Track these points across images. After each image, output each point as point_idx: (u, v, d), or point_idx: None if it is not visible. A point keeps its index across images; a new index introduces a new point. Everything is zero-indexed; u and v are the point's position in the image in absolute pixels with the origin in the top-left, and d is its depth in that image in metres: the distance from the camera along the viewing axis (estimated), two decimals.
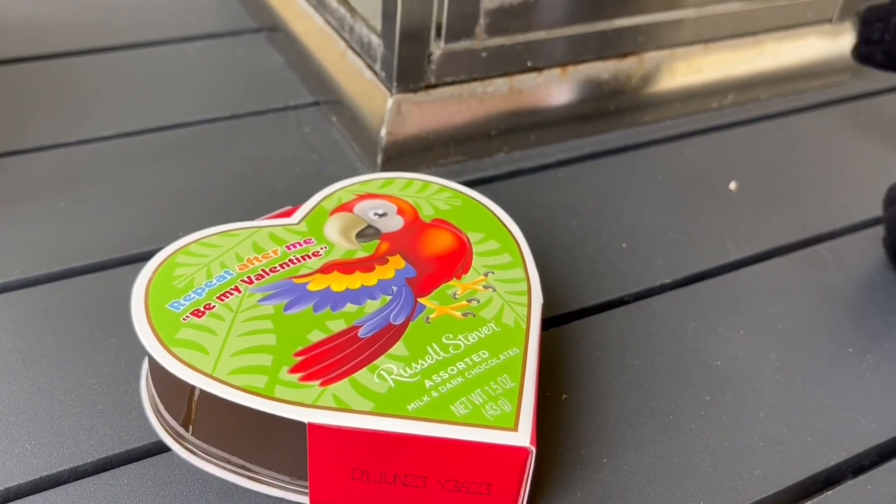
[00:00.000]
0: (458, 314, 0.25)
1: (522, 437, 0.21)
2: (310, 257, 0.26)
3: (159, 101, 0.40)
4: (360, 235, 0.28)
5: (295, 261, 0.26)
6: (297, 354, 0.23)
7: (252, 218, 0.29)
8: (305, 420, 0.21)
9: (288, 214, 0.28)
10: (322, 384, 0.22)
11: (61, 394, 0.26)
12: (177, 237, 0.31)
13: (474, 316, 0.25)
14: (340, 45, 0.39)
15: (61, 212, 0.33)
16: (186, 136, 0.38)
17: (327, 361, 0.23)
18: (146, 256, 0.31)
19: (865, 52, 0.32)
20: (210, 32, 0.47)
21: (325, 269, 0.26)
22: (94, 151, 0.37)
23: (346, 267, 0.26)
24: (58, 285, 0.30)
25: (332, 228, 0.28)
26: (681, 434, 0.26)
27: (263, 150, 0.38)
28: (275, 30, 0.45)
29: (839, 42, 0.45)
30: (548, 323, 0.30)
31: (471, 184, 0.37)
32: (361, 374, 0.22)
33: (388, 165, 0.36)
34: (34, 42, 0.44)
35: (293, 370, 0.22)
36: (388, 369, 0.23)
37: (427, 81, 0.35)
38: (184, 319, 0.24)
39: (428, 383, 0.23)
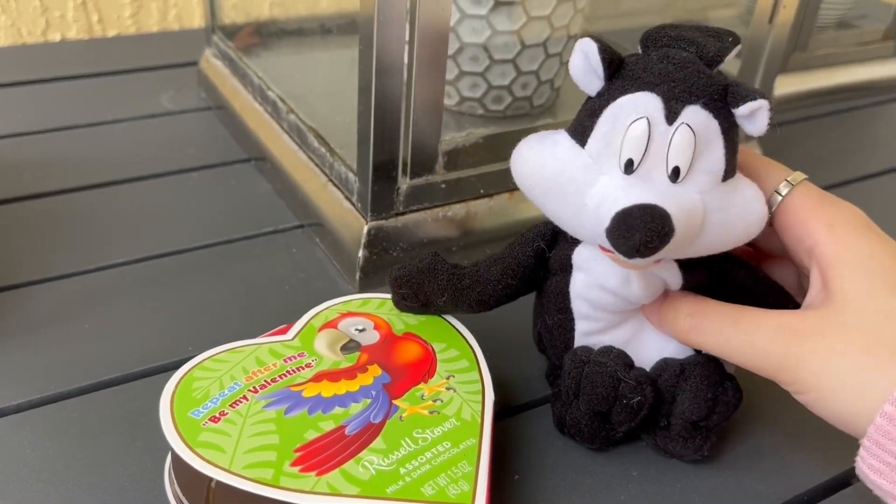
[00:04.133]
0: (426, 412, 0.31)
1: None
2: (303, 368, 0.32)
3: (164, 229, 0.47)
4: (344, 348, 0.34)
5: (291, 372, 0.32)
6: (297, 451, 0.29)
7: (250, 331, 0.35)
8: None
9: (284, 332, 0.34)
10: (318, 474, 0.28)
11: (98, 491, 0.31)
12: (187, 352, 0.37)
13: (438, 413, 0.31)
14: (322, 179, 0.45)
15: (87, 332, 0.39)
16: (189, 260, 0.44)
17: (321, 456, 0.29)
18: (162, 370, 0.37)
19: (399, 305, 0.36)
20: (205, 164, 0.53)
21: (317, 379, 0.32)
22: (110, 277, 0.43)
23: (333, 376, 0.32)
24: (87, 398, 0.35)
25: (321, 343, 0.34)
26: None
27: (257, 271, 0.44)
28: (262, 160, 0.52)
29: None
30: (502, 414, 0.36)
31: None
32: (349, 465, 0.28)
33: (365, 281, 0.43)
34: (50, 178, 0.50)
35: (294, 464, 0.28)
36: (370, 460, 0.28)
37: (396, 210, 0.42)
38: (203, 425, 0.29)
39: (402, 470, 0.28)
